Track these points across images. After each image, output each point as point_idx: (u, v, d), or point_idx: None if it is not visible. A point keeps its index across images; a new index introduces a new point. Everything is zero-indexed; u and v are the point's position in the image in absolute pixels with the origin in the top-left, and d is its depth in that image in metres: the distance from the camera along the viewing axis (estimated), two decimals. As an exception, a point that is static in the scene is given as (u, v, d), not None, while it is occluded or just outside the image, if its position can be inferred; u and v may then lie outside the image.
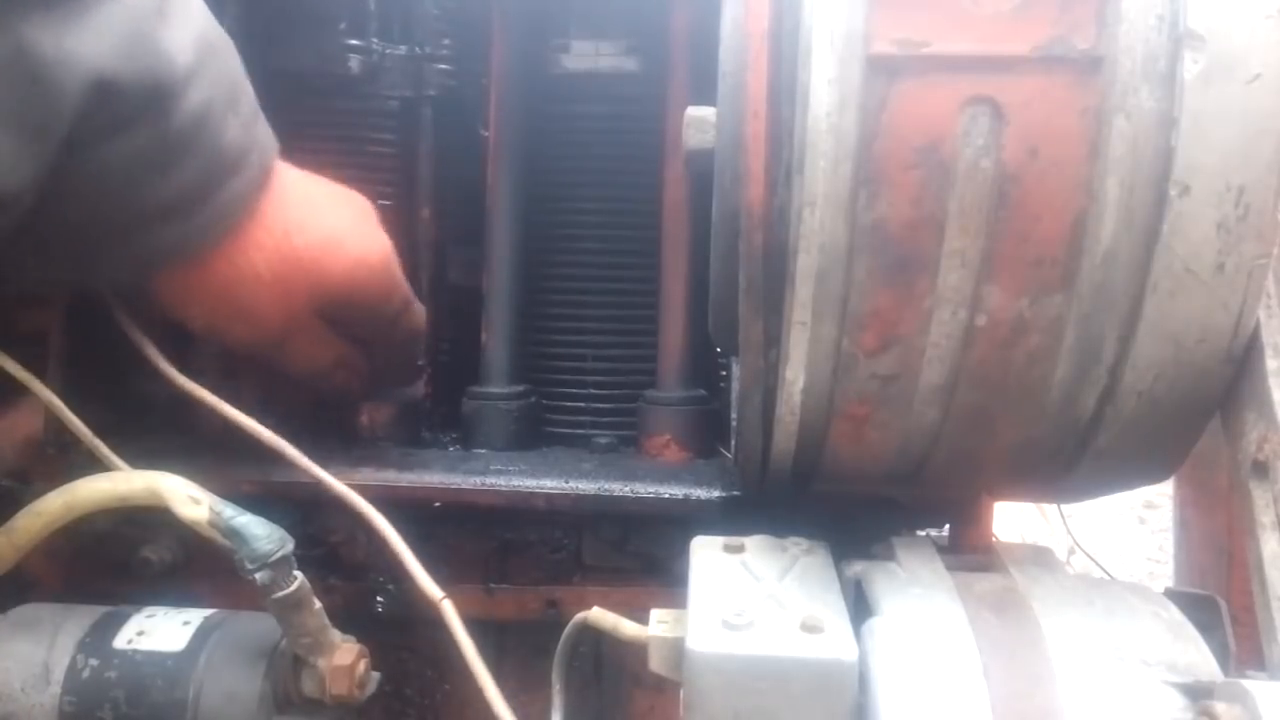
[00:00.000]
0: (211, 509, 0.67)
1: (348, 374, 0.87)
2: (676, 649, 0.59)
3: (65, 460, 0.81)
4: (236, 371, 0.86)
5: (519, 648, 0.87)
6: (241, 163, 0.71)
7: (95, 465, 0.75)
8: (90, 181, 0.64)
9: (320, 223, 0.78)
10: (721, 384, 0.96)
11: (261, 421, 0.78)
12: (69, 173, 0.63)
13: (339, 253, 0.79)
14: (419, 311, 0.92)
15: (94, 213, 0.66)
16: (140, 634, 0.70)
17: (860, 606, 0.61)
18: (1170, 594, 0.62)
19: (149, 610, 0.73)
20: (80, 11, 0.60)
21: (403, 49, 0.95)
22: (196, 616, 0.72)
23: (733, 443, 0.76)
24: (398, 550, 0.74)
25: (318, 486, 0.78)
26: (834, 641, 0.55)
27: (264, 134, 0.75)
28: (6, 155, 0.59)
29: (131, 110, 0.63)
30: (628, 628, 0.64)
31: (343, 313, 0.82)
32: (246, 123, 0.72)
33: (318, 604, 0.68)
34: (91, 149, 0.63)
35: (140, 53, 0.62)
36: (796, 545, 0.67)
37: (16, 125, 0.59)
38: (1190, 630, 0.58)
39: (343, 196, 0.83)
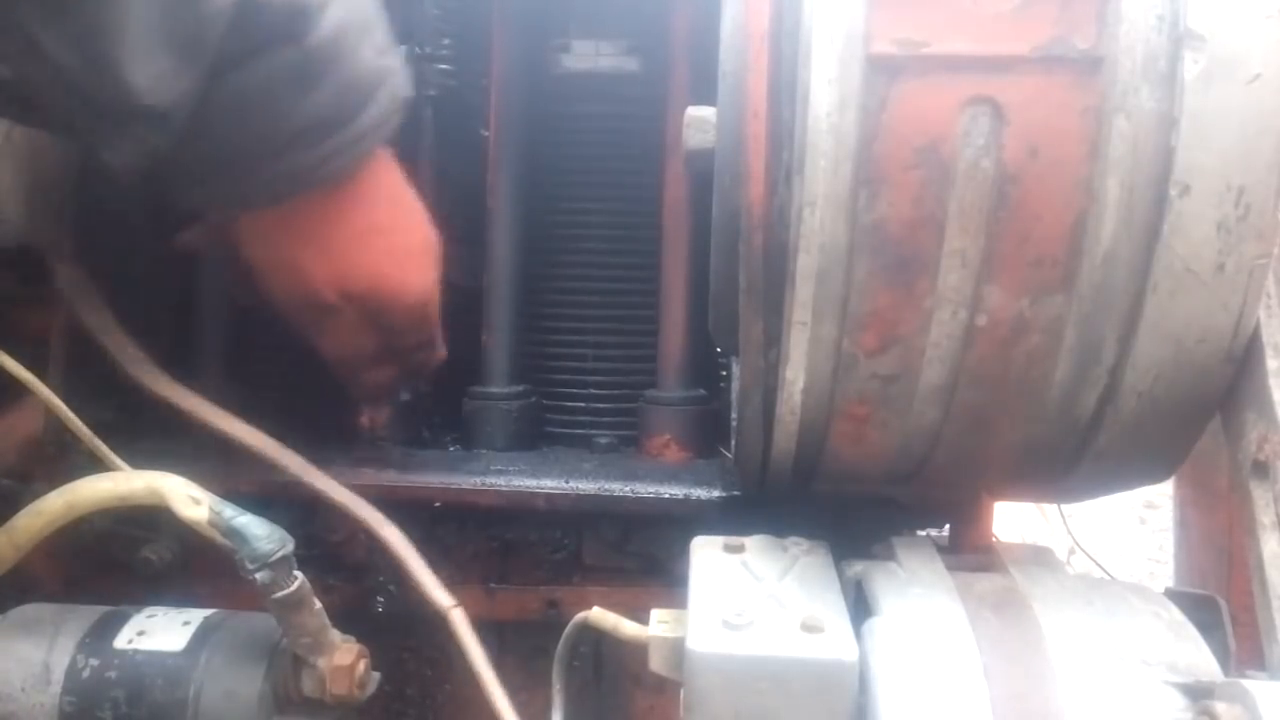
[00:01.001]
0: (212, 509, 0.67)
1: (379, 374, 0.86)
2: (676, 649, 0.59)
3: (65, 460, 0.81)
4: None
5: (519, 648, 0.87)
6: (375, 92, 0.73)
7: (95, 465, 0.75)
8: (236, 101, 0.67)
9: (391, 232, 0.79)
10: (721, 384, 0.97)
11: (261, 426, 0.78)
12: (217, 93, 0.66)
13: (394, 275, 0.80)
14: (438, 357, 0.90)
15: (239, 133, 0.69)
16: (140, 634, 0.70)
17: (860, 606, 0.61)
18: (1170, 594, 0.62)
19: (149, 610, 0.73)
20: None
21: (403, 49, 0.95)
22: (196, 616, 0.72)
23: (733, 443, 0.76)
24: (405, 558, 0.74)
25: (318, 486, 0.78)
26: (834, 641, 0.55)
27: (396, 67, 0.76)
28: (165, 72, 0.63)
29: (273, 29, 0.66)
30: (628, 628, 0.64)
31: (380, 319, 0.82)
32: (380, 51, 0.74)
33: (318, 604, 0.68)
34: (237, 69, 0.66)
35: None
36: (796, 545, 0.67)
37: (172, 43, 0.63)
38: (1190, 630, 0.58)
39: (421, 223, 0.83)
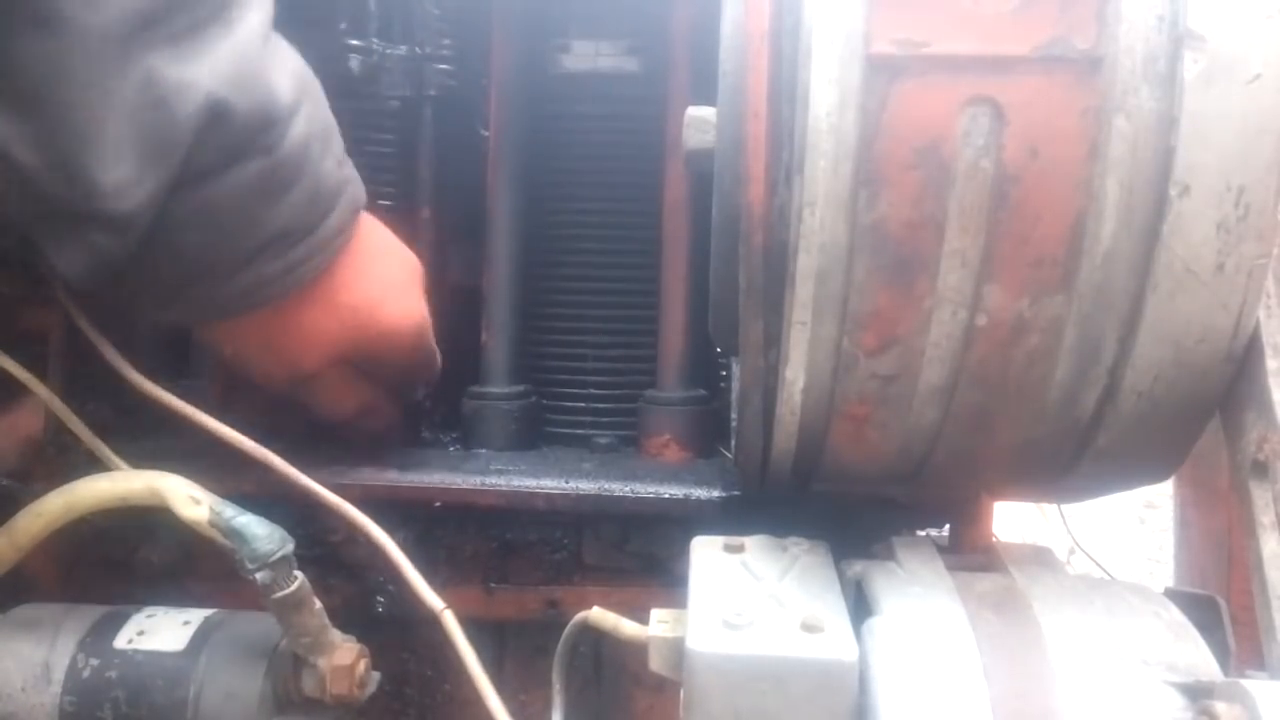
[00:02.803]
0: (212, 509, 0.67)
1: (374, 419, 0.86)
2: (676, 649, 0.59)
3: (65, 460, 0.81)
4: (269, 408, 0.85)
5: (519, 648, 0.87)
6: (338, 196, 0.74)
7: (95, 465, 0.75)
8: (205, 213, 0.67)
9: (368, 279, 0.79)
10: (721, 384, 0.97)
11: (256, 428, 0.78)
12: (185, 204, 0.66)
13: (378, 314, 0.79)
14: (437, 371, 0.90)
15: (207, 246, 0.68)
16: (140, 634, 0.70)
17: (860, 606, 0.61)
18: (1170, 594, 0.62)
19: (149, 610, 0.73)
20: (199, 42, 0.63)
21: (403, 49, 0.95)
22: (196, 616, 0.72)
23: (733, 443, 0.76)
24: (396, 560, 0.74)
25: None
26: (834, 641, 0.55)
27: (353, 174, 0.77)
28: (131, 177, 0.63)
29: (243, 139, 0.66)
30: (628, 628, 0.64)
31: (369, 367, 0.82)
32: (340, 160, 0.74)
33: (318, 604, 0.68)
34: (206, 180, 0.66)
35: (250, 84, 0.65)
36: (796, 545, 0.67)
37: (141, 148, 0.62)
38: (1190, 630, 0.58)
39: (397, 254, 0.83)
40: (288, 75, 0.68)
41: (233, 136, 0.65)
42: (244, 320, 0.74)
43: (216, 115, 0.63)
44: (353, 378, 0.81)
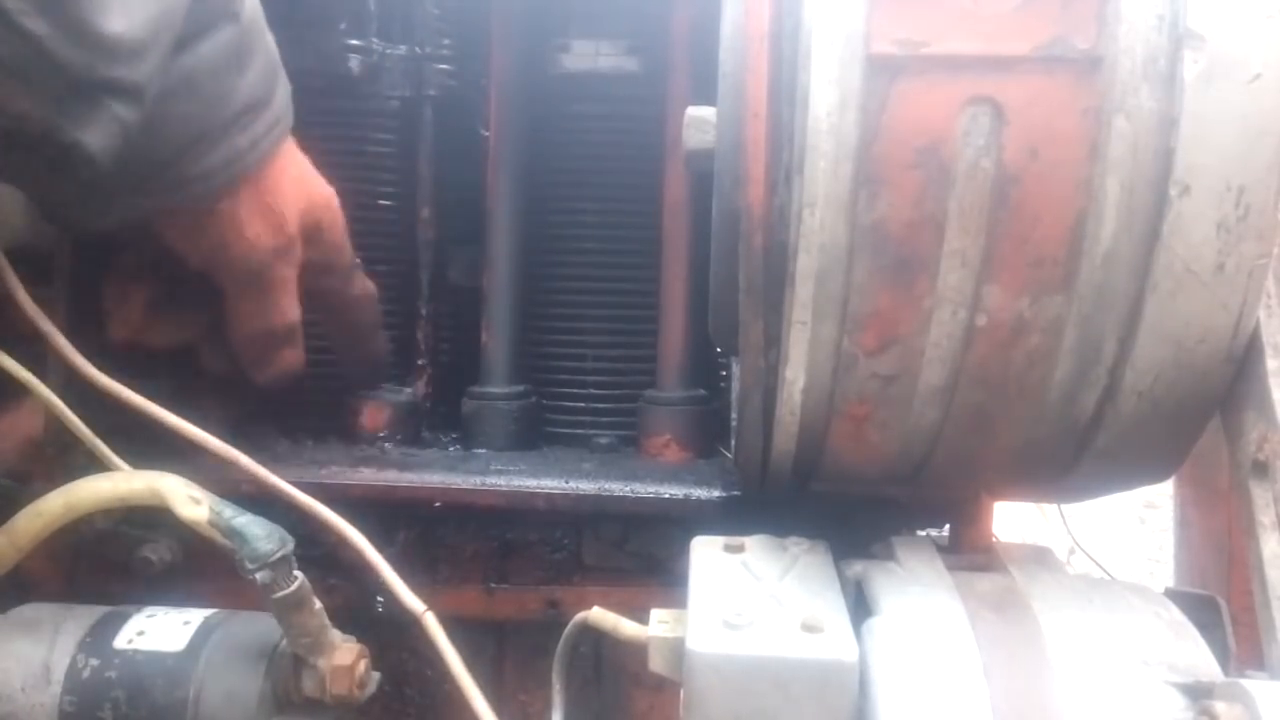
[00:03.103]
0: (212, 509, 0.67)
1: (294, 352, 0.88)
2: (676, 649, 0.59)
3: (65, 460, 0.81)
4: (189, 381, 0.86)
5: (519, 648, 0.87)
6: (280, 72, 0.76)
7: (95, 465, 0.75)
8: (189, 82, 0.69)
9: (300, 156, 0.83)
10: (721, 384, 0.97)
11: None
12: (173, 74, 0.67)
13: (319, 181, 0.84)
14: (370, 286, 0.93)
15: (190, 118, 0.70)
16: (140, 634, 0.70)
17: (860, 606, 0.61)
18: (1170, 594, 0.62)
19: (149, 610, 0.73)
20: None
21: (403, 49, 0.95)
22: (196, 616, 0.72)
23: (733, 443, 0.76)
24: (374, 562, 0.73)
25: (319, 488, 0.78)
26: (834, 641, 0.55)
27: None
28: (139, 35, 0.64)
29: (215, 8, 0.68)
30: (628, 628, 0.64)
31: (316, 244, 0.85)
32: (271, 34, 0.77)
33: (318, 604, 0.68)
34: (188, 50, 0.68)
35: None
36: (796, 545, 0.67)
37: (150, 21, 0.64)
38: (1190, 630, 0.58)
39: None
40: None
41: (208, 6, 0.67)
42: (224, 196, 0.76)
43: None
44: (292, 285, 0.84)
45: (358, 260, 0.91)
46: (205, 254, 0.80)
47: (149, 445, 0.76)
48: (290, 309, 0.85)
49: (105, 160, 0.66)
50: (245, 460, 0.75)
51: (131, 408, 0.75)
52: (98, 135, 0.65)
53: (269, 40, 0.74)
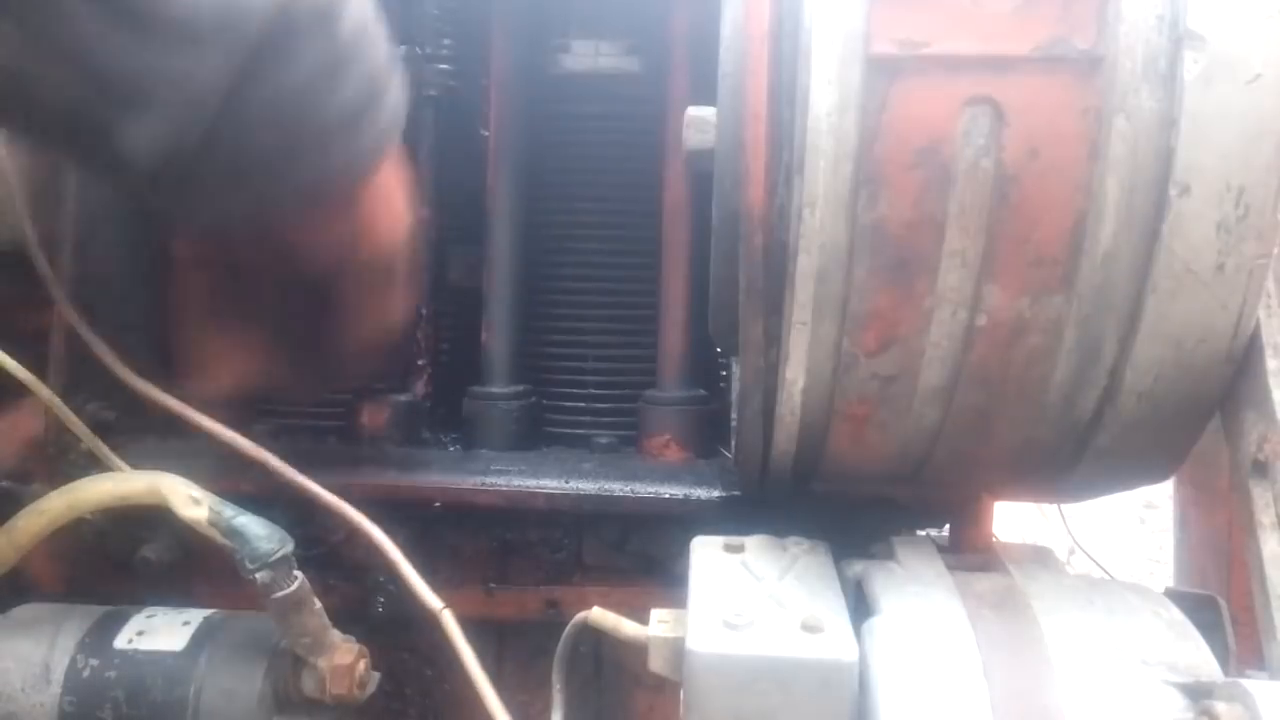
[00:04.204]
0: (212, 509, 0.67)
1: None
2: (676, 649, 0.59)
3: (65, 460, 0.81)
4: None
5: (519, 648, 0.87)
6: (391, 79, 0.73)
7: (95, 465, 0.75)
8: (273, 99, 0.65)
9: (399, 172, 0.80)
10: (721, 384, 0.96)
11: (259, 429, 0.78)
12: (253, 90, 0.64)
13: (405, 205, 0.80)
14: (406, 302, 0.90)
15: (274, 131, 0.67)
16: (140, 634, 0.70)
17: (860, 606, 0.61)
18: (1170, 594, 0.62)
19: (149, 610, 0.73)
20: None
21: (403, 49, 0.95)
22: (196, 616, 0.72)
23: (733, 443, 0.76)
24: (394, 560, 0.74)
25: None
26: (834, 641, 0.55)
27: (399, 61, 0.75)
28: (205, 48, 0.60)
29: (308, 21, 0.65)
30: (628, 628, 0.64)
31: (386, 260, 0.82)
32: (389, 44, 0.73)
33: (318, 604, 0.68)
34: (275, 65, 0.64)
35: None
36: (796, 545, 0.67)
37: (214, 33, 0.60)
38: (1190, 630, 0.58)
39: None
40: None
41: (298, 19, 0.63)
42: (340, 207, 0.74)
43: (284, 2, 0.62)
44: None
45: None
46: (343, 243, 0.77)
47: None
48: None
49: (152, 161, 0.61)
50: (275, 460, 0.75)
51: (177, 415, 0.75)
52: (143, 141, 0.60)
53: (375, 52, 0.70)
